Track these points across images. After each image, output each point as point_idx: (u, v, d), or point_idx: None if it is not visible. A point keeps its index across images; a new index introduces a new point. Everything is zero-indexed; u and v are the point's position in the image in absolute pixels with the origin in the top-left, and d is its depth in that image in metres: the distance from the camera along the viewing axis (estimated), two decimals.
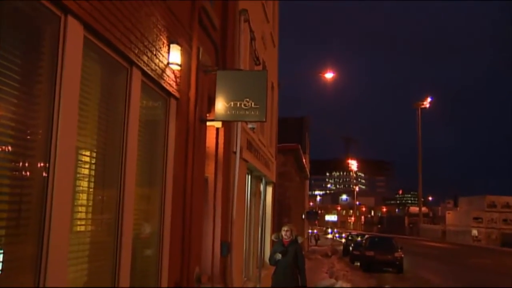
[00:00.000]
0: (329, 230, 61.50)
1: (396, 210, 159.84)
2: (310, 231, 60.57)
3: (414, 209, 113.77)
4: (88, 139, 4.17)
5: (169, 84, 5.81)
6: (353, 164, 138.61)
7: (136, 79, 4.84)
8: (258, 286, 12.21)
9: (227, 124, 8.98)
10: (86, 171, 4.17)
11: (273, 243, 10.59)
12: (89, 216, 4.25)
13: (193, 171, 6.86)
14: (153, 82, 5.40)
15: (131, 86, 4.73)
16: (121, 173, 4.58)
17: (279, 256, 9.24)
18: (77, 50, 3.67)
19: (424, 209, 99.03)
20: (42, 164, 3.42)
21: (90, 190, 4.26)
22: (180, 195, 6.45)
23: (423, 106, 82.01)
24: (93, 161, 4.25)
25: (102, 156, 4.43)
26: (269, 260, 9.73)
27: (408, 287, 13.36)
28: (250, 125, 10.70)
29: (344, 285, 15.74)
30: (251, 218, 12.72)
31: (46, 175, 3.42)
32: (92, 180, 4.26)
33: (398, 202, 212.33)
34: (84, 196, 4.17)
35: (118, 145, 4.61)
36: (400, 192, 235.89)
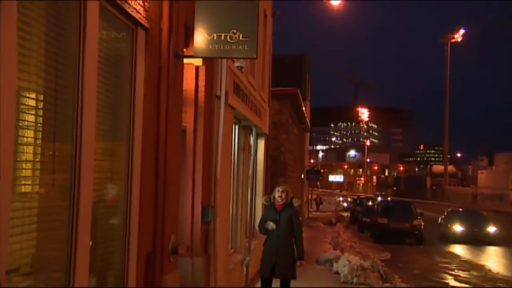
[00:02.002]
0: (341, 199, 62.14)
1: (416, 169, 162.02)
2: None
3: (438, 167, 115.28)
4: (34, 77, 4.10)
5: (136, 10, 5.69)
6: (364, 113, 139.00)
7: (93, 2, 4.73)
8: (247, 258, 12.41)
9: (209, 61, 8.91)
10: (32, 118, 4.12)
11: (264, 207, 10.70)
12: (37, 175, 4.22)
13: (168, 120, 6.86)
14: (115, 7, 5.29)
15: (86, 12, 4.62)
16: (76, 122, 4.54)
17: (271, 225, 9.36)
18: None
19: (450, 167, 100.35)
20: None
21: (37, 142, 4.22)
22: (151, 149, 6.45)
23: (453, 40, 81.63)
24: (40, 106, 4.20)
25: (52, 100, 4.37)
26: (259, 227, 9.88)
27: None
28: (237, 63, 10.63)
29: (351, 258, 16.02)
30: (239, 177, 12.82)
31: None
32: (40, 129, 4.21)
33: (418, 159, 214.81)
34: (30, 149, 4.14)
35: (72, 86, 4.55)
36: (421, 147, 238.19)
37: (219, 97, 9.40)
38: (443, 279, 17.83)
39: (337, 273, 15.36)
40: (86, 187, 4.66)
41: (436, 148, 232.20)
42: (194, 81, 8.63)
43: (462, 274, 18.88)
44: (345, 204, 58.61)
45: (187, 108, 8.52)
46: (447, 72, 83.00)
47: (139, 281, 6.08)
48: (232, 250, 12.14)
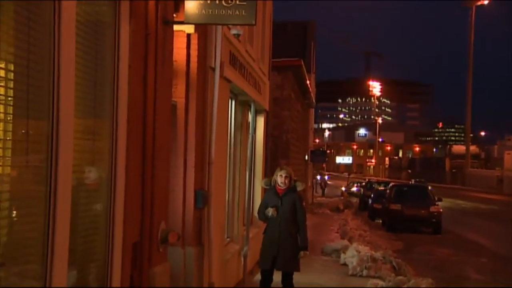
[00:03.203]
0: (355, 187, 62.15)
1: (434, 149, 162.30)
2: (319, 176, 61.35)
3: (459, 148, 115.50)
4: (3, 45, 4.08)
5: None
6: (376, 87, 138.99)
7: None
8: (245, 248, 12.46)
9: (202, 28, 8.88)
10: (1, 91, 4.10)
11: (264, 192, 10.71)
12: (8, 155, 4.21)
13: (156, 95, 6.87)
14: None
15: None
16: (53, 96, 4.52)
17: (272, 212, 9.38)
18: None
19: (473, 148, 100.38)
20: None
21: (8, 119, 4.20)
22: (138, 127, 6.44)
23: (479, 3, 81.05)
24: (10, 77, 4.18)
25: (24, 71, 4.35)
26: (258, 214, 9.90)
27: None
28: (234, 31, 10.59)
29: (361, 248, 16.09)
30: (236, 158, 12.85)
31: None
32: (10, 104, 4.19)
33: (436, 138, 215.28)
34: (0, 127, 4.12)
35: (46, 55, 4.52)
36: (440, 125, 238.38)
37: (213, 69, 9.38)
38: (463, 271, 17.89)
39: (344, 264, 15.42)
40: (64, 170, 4.65)
41: (456, 126, 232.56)
42: (185, 51, 8.60)
43: (486, 266, 18.94)
44: (354, 188, 58.76)
45: (177, 81, 8.51)
46: (470, 41, 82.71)
47: (125, 274, 6.10)
48: (229, 239, 12.19)
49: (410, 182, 56.88)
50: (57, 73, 4.55)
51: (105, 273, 5.78)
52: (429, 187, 33.20)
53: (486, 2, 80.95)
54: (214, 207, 9.46)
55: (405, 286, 11.76)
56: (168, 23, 7.36)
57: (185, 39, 8.57)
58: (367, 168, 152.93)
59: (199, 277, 9.06)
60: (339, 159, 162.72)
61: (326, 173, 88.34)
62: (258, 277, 10.29)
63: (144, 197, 6.66)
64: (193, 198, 8.84)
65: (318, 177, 61.70)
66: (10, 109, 4.21)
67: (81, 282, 5.45)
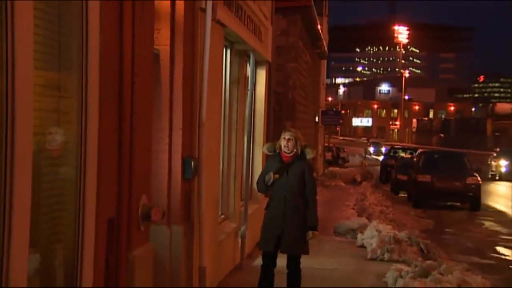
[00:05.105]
0: (372, 148, 62.04)
1: (473, 109, 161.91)
2: (373, 148, 60.91)
3: (504, 106, 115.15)
4: None
5: None
6: (402, 33, 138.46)
7: None
8: (243, 227, 12.51)
9: None
10: None
11: (266, 158, 10.70)
12: None
13: (134, 42, 6.84)
14: None
15: None
16: (6, 42, 4.47)
17: (269, 177, 9.34)
18: None
19: None
20: None
21: None
22: (113, 81, 6.43)
23: None
24: None
25: None
26: (257, 184, 9.88)
27: None
28: None
29: (382, 227, 16.15)
30: (232, 120, 12.85)
31: None
32: None
33: (476, 95, 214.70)
34: None
35: None
36: (481, 79, 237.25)
37: (204, 10, 9.31)
38: (503, 255, 18.00)
39: (362, 246, 15.53)
40: (23, 132, 4.62)
41: (502, 80, 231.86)
42: None
43: None
44: (371, 149, 58.79)
45: (160, 25, 8.47)
46: None
47: (99, 256, 6.12)
48: (223, 216, 12.24)
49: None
50: (10, 13, 4.49)
51: (75, 256, 5.78)
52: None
53: None
54: (206, 178, 9.47)
55: (435, 272, 11.80)
56: None
57: None
58: (390, 132, 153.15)
59: (187, 260, 9.10)
60: (356, 121, 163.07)
61: (341, 138, 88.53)
62: (258, 261, 10.33)
63: (122, 166, 6.65)
64: (180, 167, 8.85)
65: (372, 149, 61.49)
66: None
67: (46, 266, 5.47)
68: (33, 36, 4.75)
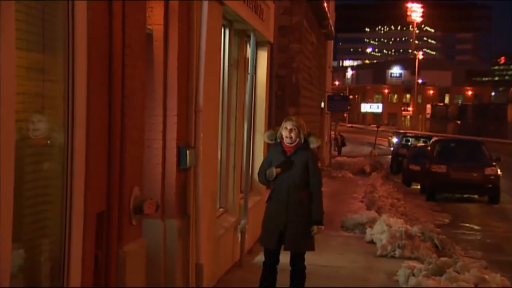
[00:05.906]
0: (395, 139, 61.73)
1: (492, 93, 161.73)
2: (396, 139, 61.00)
3: None
4: None
5: None
6: (416, 11, 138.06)
7: None
8: (243, 222, 12.52)
9: None
10: None
11: (268, 146, 10.70)
12: None
13: (125, 21, 6.83)
14: None
15: None
16: None
17: (271, 172, 9.35)
18: None
19: None
20: None
21: None
22: (102, 64, 6.43)
23: None
24: None
25: None
26: (258, 175, 9.87)
27: None
28: None
29: (392, 222, 16.16)
30: (231, 106, 12.85)
31: None
32: None
33: (496, 79, 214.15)
34: None
35: None
36: (502, 60, 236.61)
37: None
38: None
39: (371, 242, 15.54)
40: (4, 118, 4.62)
41: None
42: None
43: None
44: (394, 140, 58.41)
45: (153, 2, 8.44)
46: None
47: (87, 252, 6.13)
48: (222, 210, 12.25)
49: None
50: None
51: (62, 252, 5.80)
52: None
53: None
54: (203, 168, 9.48)
55: (450, 269, 11.80)
56: None
57: None
58: (402, 118, 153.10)
59: (183, 257, 9.12)
60: (365, 107, 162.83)
61: (349, 125, 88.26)
62: (260, 258, 10.36)
63: (112, 155, 6.65)
64: (175, 157, 8.85)
65: (395, 140, 61.30)
66: None
67: (30, 263, 5.48)
68: (14, 13, 4.74)
